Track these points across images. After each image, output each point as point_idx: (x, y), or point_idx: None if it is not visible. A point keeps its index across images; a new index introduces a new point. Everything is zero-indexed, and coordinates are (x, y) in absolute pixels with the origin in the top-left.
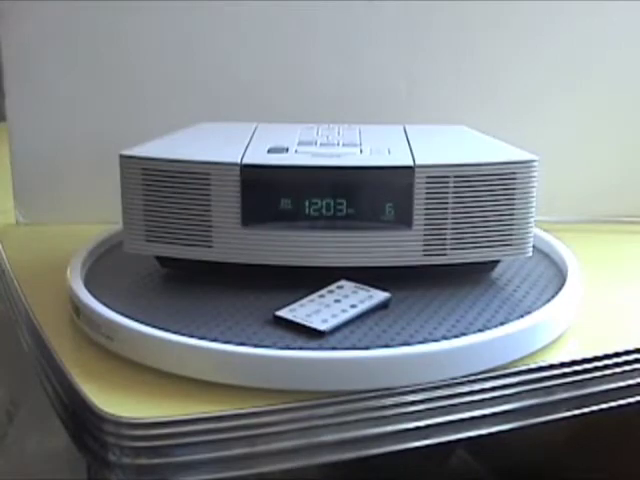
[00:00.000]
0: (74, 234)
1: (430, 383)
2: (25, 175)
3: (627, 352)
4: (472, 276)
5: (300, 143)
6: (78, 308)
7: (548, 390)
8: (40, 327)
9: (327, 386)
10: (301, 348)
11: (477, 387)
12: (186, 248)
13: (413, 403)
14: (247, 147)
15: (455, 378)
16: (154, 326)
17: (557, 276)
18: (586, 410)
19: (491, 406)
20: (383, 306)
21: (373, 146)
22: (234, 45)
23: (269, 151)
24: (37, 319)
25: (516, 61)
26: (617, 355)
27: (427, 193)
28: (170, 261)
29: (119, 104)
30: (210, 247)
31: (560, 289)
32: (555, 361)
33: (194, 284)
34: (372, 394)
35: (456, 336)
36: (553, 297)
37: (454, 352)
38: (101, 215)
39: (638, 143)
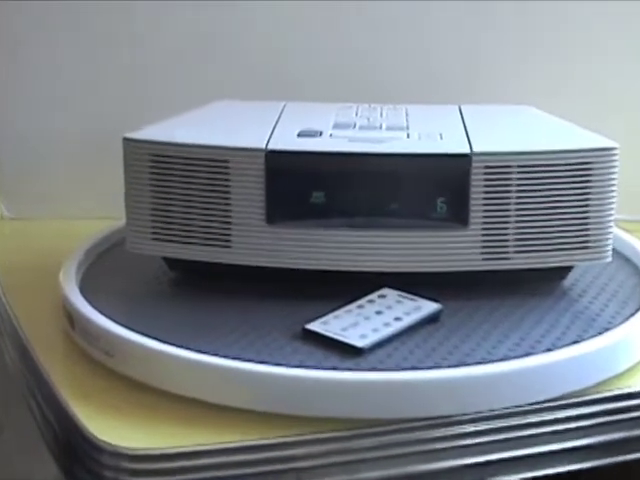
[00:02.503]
0: (68, 231)
1: (490, 412)
2: (11, 163)
3: None
4: (539, 285)
5: (336, 126)
6: (72, 318)
7: (635, 422)
8: (27, 340)
9: (366, 414)
10: (335, 368)
11: (547, 417)
12: (200, 248)
13: (470, 435)
14: (273, 130)
15: (520, 406)
16: (161, 340)
17: None
18: None
19: (565, 440)
20: (433, 319)
21: (422, 130)
22: (260, 8)
23: (299, 135)
24: (24, 331)
25: (599, 37)
26: None
27: (486, 186)
28: (180, 263)
29: (120, 79)
30: (228, 247)
31: None
32: None
33: (208, 291)
34: (420, 424)
35: (520, 356)
36: (637, 311)
37: (518, 375)
38: (100, 209)
39: None
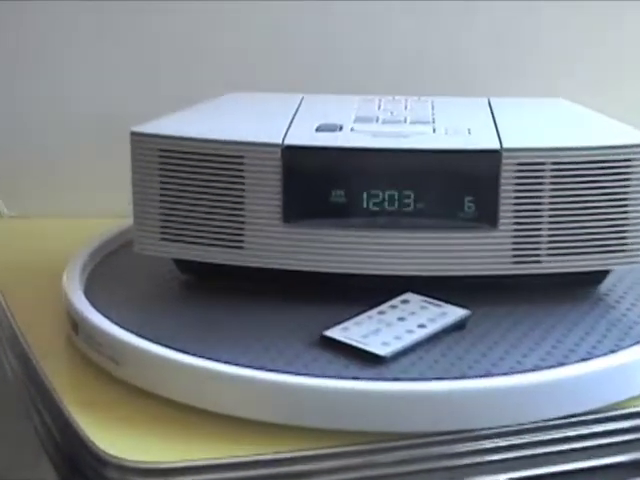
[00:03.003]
0: (72, 230)
1: (519, 426)
2: (11, 157)
3: None
4: (574, 290)
5: (357, 119)
6: (76, 323)
7: None
8: (28, 346)
9: (387, 427)
10: (355, 378)
11: (580, 432)
12: (211, 249)
13: (497, 450)
14: (290, 124)
15: (551, 420)
16: (170, 347)
17: None
18: None
19: (600, 456)
20: (459, 326)
21: (449, 124)
22: None
23: (318, 129)
24: (24, 336)
25: (636, 27)
26: None
27: (517, 184)
28: (191, 265)
29: (126, 70)
30: (242, 248)
31: None
32: None
33: (221, 295)
34: (444, 438)
35: (552, 366)
36: None
37: (549, 387)
38: (106, 207)
39: None
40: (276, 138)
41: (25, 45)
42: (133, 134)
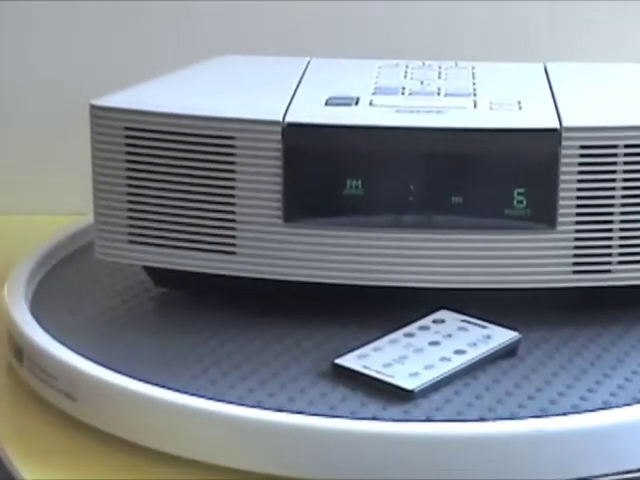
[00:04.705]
0: (18, 230)
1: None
2: None
3: None
4: None
5: (377, 91)
6: (20, 349)
7: None
8: None
9: (417, 477)
10: (375, 418)
11: None
12: (194, 255)
13: None
14: (293, 95)
15: (628, 472)
16: (140, 380)
17: None
18: None
19: None
20: (507, 353)
21: (495, 96)
22: None
23: (328, 102)
24: None
25: None
26: None
27: (581, 172)
28: (168, 275)
29: (89, 33)
30: (232, 254)
31: None
32: None
33: (206, 313)
34: None
35: (625, 404)
36: None
37: (623, 429)
38: (60, 202)
39: None
40: (276, 114)
41: None
42: (93, 108)
